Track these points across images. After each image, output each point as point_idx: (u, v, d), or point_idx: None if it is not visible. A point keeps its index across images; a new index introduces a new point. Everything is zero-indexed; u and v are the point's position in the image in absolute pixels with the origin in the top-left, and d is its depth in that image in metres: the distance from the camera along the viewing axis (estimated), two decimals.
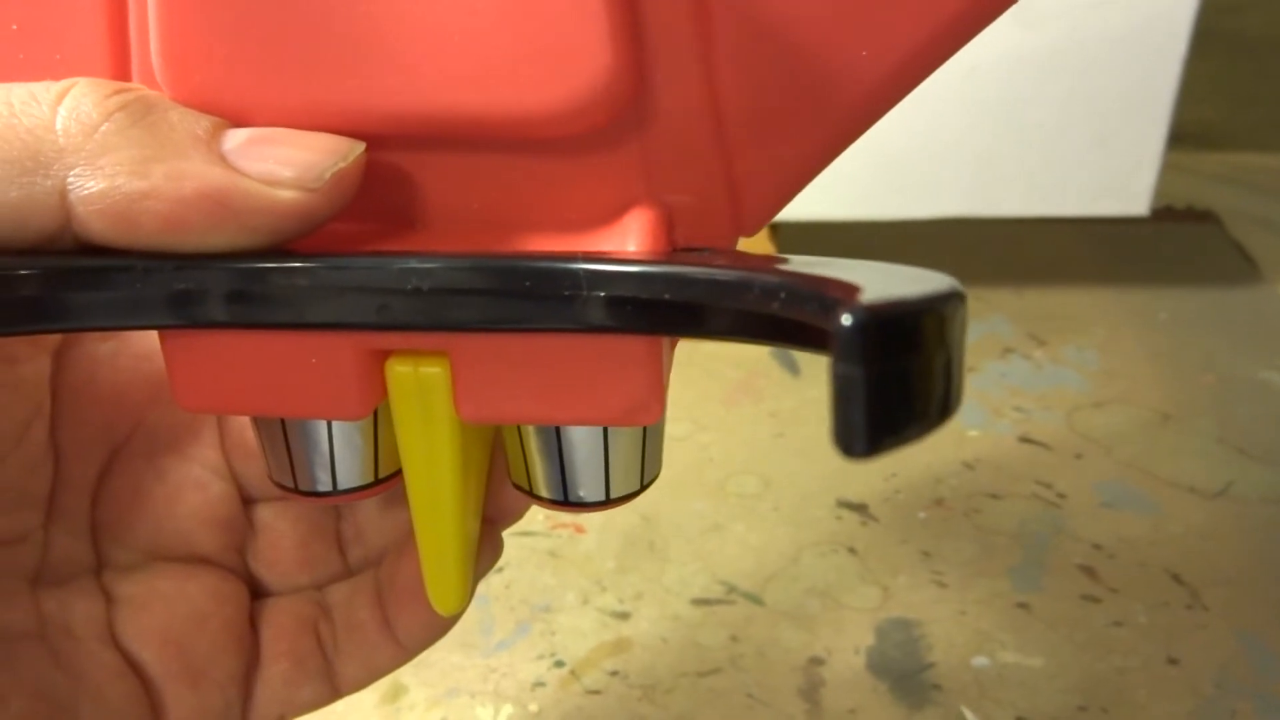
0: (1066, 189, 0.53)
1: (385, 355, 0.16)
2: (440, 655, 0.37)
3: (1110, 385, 0.52)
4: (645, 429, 0.18)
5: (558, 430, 0.18)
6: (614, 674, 0.36)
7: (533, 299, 0.14)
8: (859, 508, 0.44)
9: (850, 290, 0.11)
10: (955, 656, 0.36)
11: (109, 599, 0.19)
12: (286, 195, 0.14)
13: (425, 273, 0.14)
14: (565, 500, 0.19)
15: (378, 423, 0.18)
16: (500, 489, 0.21)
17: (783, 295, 0.12)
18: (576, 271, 0.14)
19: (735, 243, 0.17)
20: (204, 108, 0.14)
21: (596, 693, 0.35)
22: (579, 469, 0.18)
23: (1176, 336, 0.56)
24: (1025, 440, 0.48)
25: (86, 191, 0.13)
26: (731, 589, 0.40)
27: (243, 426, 0.21)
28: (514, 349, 0.15)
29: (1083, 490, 0.44)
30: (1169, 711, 0.34)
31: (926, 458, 0.47)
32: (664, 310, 0.14)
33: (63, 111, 0.14)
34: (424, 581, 0.19)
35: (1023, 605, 0.38)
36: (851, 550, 0.41)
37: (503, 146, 0.15)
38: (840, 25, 0.15)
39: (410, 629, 0.21)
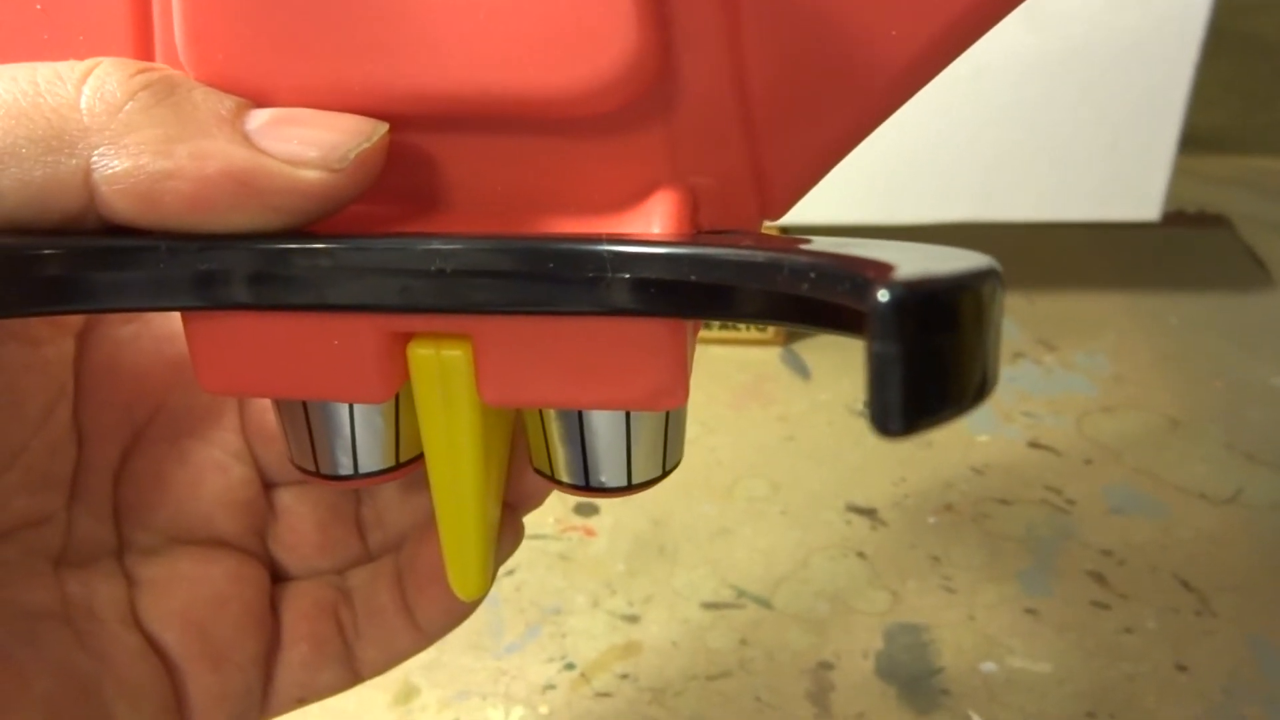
0: (1077, 193, 0.53)
1: (407, 338, 0.16)
2: (451, 657, 0.37)
3: (1120, 390, 0.52)
4: (668, 414, 0.18)
5: (580, 415, 0.18)
6: (624, 677, 0.36)
7: (556, 281, 0.14)
8: (868, 512, 0.44)
9: (884, 268, 0.11)
10: (964, 661, 0.36)
11: (131, 581, 0.19)
12: (310, 175, 0.14)
13: (449, 254, 0.14)
14: (587, 485, 0.19)
15: (399, 406, 0.18)
16: (521, 474, 0.21)
17: (813, 275, 0.12)
18: (601, 253, 0.14)
19: (759, 226, 0.17)
20: (227, 88, 0.14)
21: (607, 695, 0.35)
22: (601, 454, 0.18)
23: (1187, 341, 0.56)
24: (1035, 445, 0.48)
25: (110, 171, 0.13)
26: (741, 593, 0.40)
27: (263, 410, 0.21)
28: (537, 332, 0.15)
29: (1092, 496, 0.44)
30: (1178, 717, 0.34)
31: (935, 462, 0.47)
32: (690, 292, 0.14)
33: (87, 91, 0.14)
34: (445, 566, 0.19)
35: (1031, 611, 0.38)
36: (861, 554, 0.42)
37: (527, 127, 0.15)
38: (870, 4, 0.14)
39: (430, 614, 0.21)
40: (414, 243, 0.14)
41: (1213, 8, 0.48)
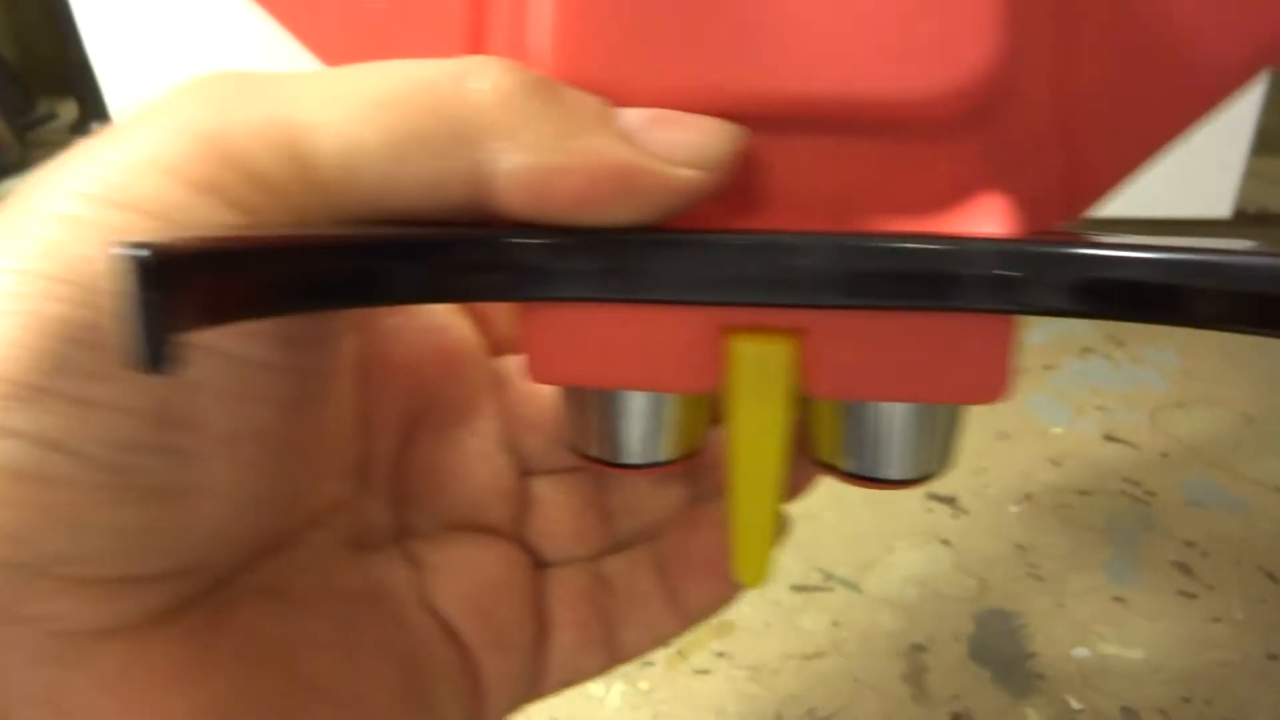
0: (1150, 191, 0.53)
1: (730, 330, 0.16)
2: None
3: (1191, 386, 0.52)
4: (955, 411, 0.19)
5: (878, 407, 0.18)
6: (720, 655, 0.37)
7: (945, 281, 0.14)
8: (949, 500, 0.44)
9: None
10: (1056, 647, 0.37)
11: (417, 566, 0.20)
12: (688, 174, 0.14)
13: (810, 249, 0.14)
14: (873, 477, 0.19)
15: (694, 400, 0.19)
16: (792, 463, 0.21)
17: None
18: (988, 251, 0.14)
19: (1060, 225, 0.17)
20: (586, 88, 0.15)
21: (705, 672, 0.36)
22: (894, 447, 0.18)
23: (1254, 340, 0.56)
24: (1110, 439, 0.48)
25: (507, 166, 0.14)
26: (829, 576, 0.40)
27: (521, 399, 0.21)
28: (875, 326, 0.15)
29: (1170, 488, 0.45)
30: (1273, 703, 0.34)
31: (1013, 453, 0.47)
32: (1136, 294, 0.13)
33: (483, 86, 0.14)
34: (719, 554, 0.19)
35: (1120, 599, 0.39)
36: (945, 542, 0.42)
37: (863, 130, 0.15)
38: (1215, 12, 0.15)
39: (699, 600, 0.21)
40: (776, 238, 0.14)
41: None
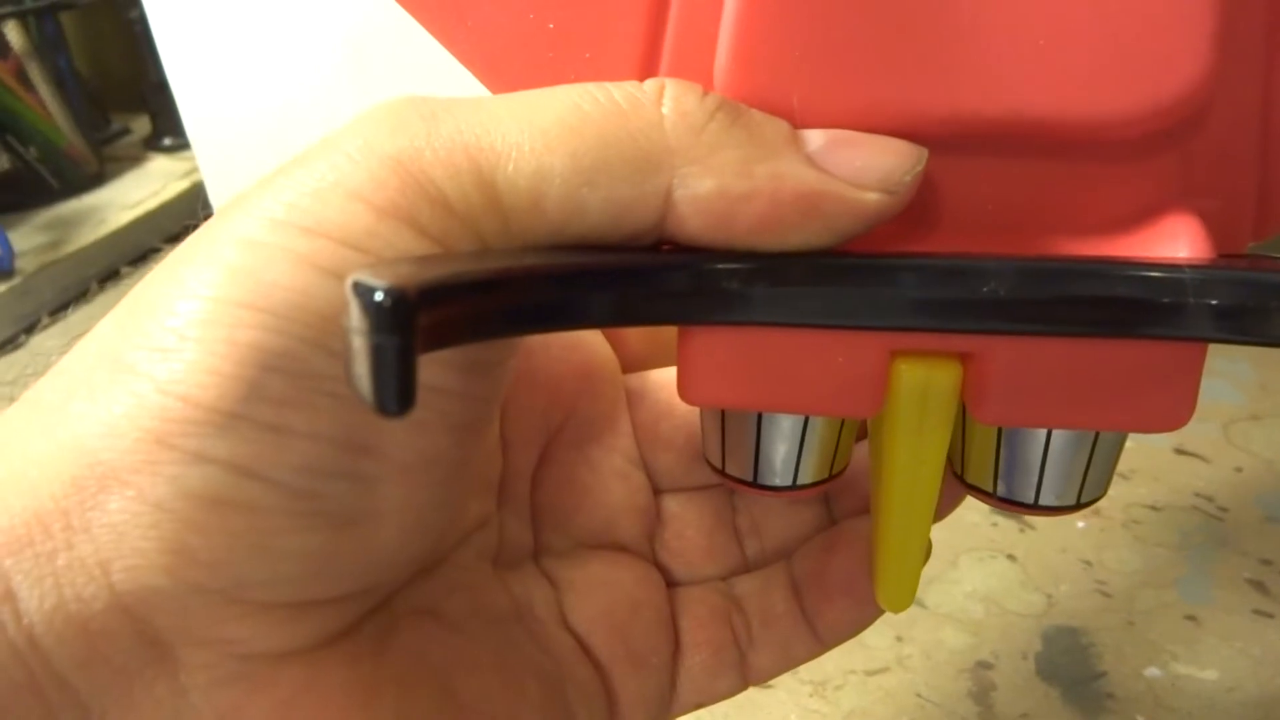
0: None
1: (896, 355, 0.16)
2: None
3: (1266, 398, 0.51)
4: (1119, 439, 0.18)
5: (1047, 433, 0.17)
6: None
7: (1117, 306, 0.13)
8: (1014, 515, 0.44)
9: None
10: (1127, 666, 0.36)
11: (554, 584, 0.20)
12: (872, 198, 0.14)
13: (998, 275, 0.14)
14: (1024, 502, 0.18)
15: (843, 424, 0.18)
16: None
17: None
18: (1183, 279, 0.13)
19: (1246, 248, 0.16)
20: (766, 109, 0.14)
21: (769, 687, 0.36)
22: (1057, 474, 0.18)
23: None
24: (1181, 452, 0.47)
25: (694, 191, 0.14)
26: None
27: (656, 417, 0.21)
28: (1051, 352, 0.15)
29: (1245, 504, 0.44)
30: None
31: None
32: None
33: (669, 111, 0.14)
34: (869, 577, 0.19)
35: (1192, 618, 0.38)
36: (1010, 557, 0.41)
37: (1050, 151, 0.14)
38: None
39: (835, 623, 0.21)
40: (958, 263, 0.14)
41: None
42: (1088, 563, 0.41)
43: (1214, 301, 0.13)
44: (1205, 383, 0.53)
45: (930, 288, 0.14)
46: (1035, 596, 0.39)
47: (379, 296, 0.10)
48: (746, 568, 0.22)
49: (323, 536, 0.14)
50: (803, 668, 0.37)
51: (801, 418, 0.18)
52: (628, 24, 0.16)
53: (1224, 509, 0.44)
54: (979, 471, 0.19)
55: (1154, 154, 0.15)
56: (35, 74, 0.81)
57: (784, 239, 0.14)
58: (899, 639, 0.38)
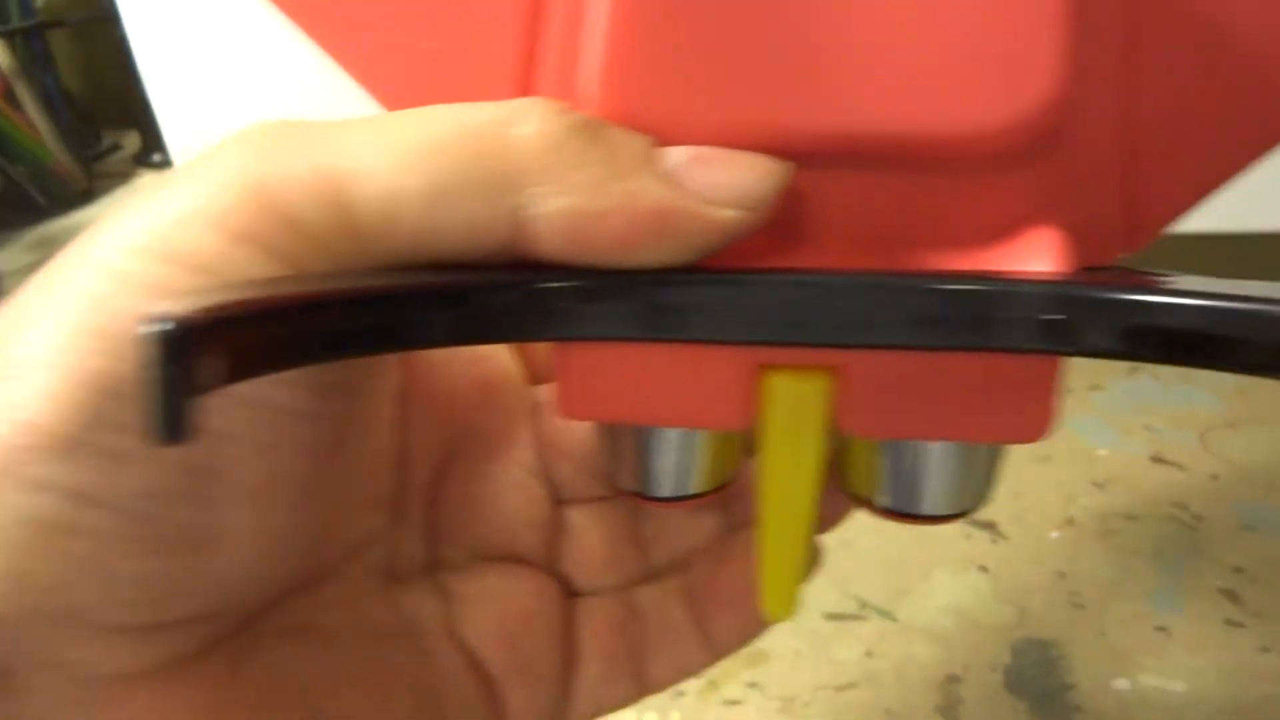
0: (1215, 203, 0.51)
1: (766, 368, 0.16)
2: None
3: (1244, 405, 0.51)
4: (998, 448, 0.18)
5: (917, 444, 0.18)
6: (752, 685, 0.37)
7: (972, 320, 0.14)
8: (988, 526, 0.44)
9: None
10: (1096, 679, 0.36)
11: (446, 597, 0.20)
12: (729, 215, 0.14)
13: (844, 290, 0.14)
14: (906, 512, 0.19)
15: (728, 434, 0.19)
16: (825, 496, 0.21)
17: None
18: (1037, 293, 0.13)
19: (1115, 260, 0.17)
20: (631, 125, 0.15)
21: (735, 703, 0.36)
22: (931, 483, 0.18)
23: None
24: (1158, 460, 0.47)
25: (548, 209, 0.14)
26: (864, 604, 0.40)
27: (557, 429, 0.21)
28: (912, 365, 0.15)
29: (1220, 512, 0.44)
30: None
31: (1056, 476, 0.46)
32: (1167, 338, 0.13)
33: (525, 131, 0.14)
34: (748, 587, 0.19)
35: (1163, 629, 0.38)
36: (983, 569, 0.41)
37: (913, 166, 0.15)
38: (1276, 35, 0.14)
39: (727, 632, 0.21)
40: (808, 278, 0.14)
41: None
42: (1061, 574, 0.41)
43: (1059, 316, 0.13)
44: (1183, 389, 0.53)
45: (780, 303, 0.14)
46: (1007, 609, 0.39)
47: (145, 329, 0.10)
48: (650, 577, 0.22)
49: (166, 560, 0.14)
50: (772, 684, 0.37)
51: (685, 430, 0.18)
52: (503, 45, 0.16)
53: (1199, 517, 0.43)
54: (860, 482, 0.19)
55: (1017, 169, 0.15)
56: (22, 93, 0.82)
57: (642, 256, 0.14)
58: (869, 654, 0.38)
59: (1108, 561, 0.41)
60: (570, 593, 0.22)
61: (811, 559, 0.21)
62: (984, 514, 0.44)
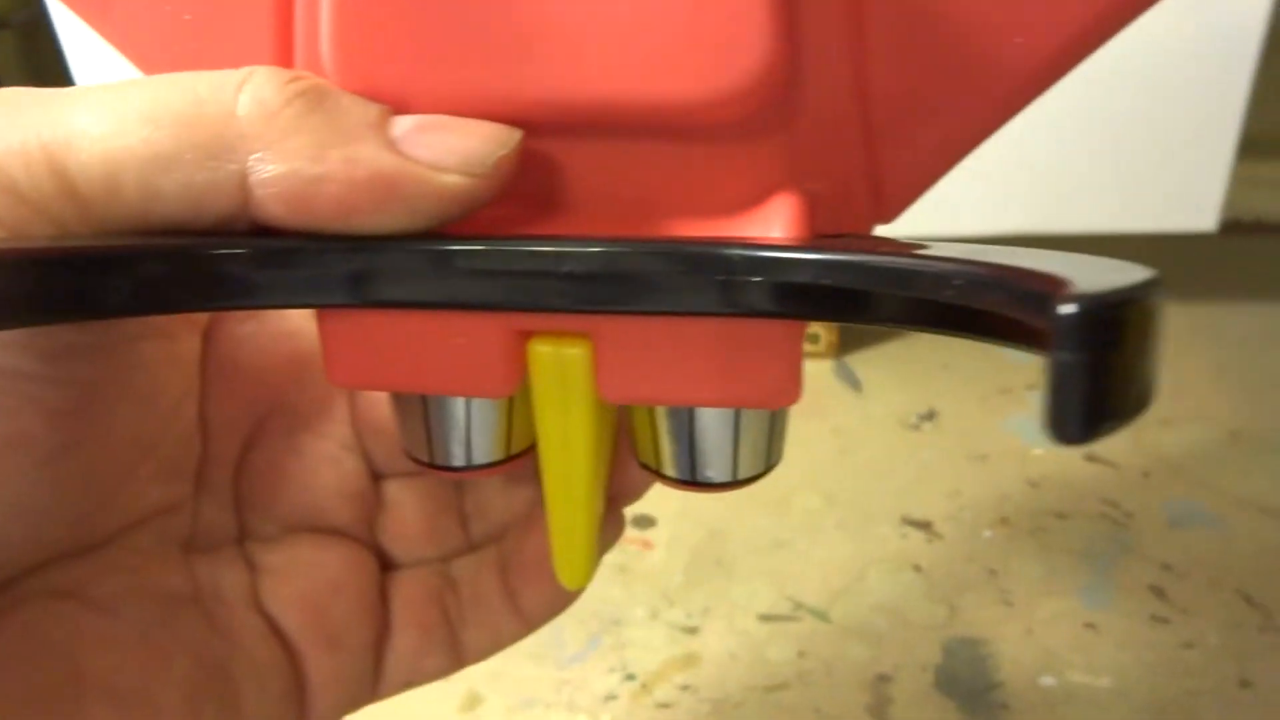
0: (1133, 205, 0.52)
1: (529, 335, 0.16)
2: (514, 666, 0.38)
3: (1178, 402, 0.51)
4: (774, 412, 0.19)
5: (689, 411, 0.18)
6: (684, 688, 0.37)
7: (690, 284, 0.14)
8: (924, 525, 0.44)
9: (1058, 282, 0.11)
10: (1023, 676, 0.37)
11: (253, 567, 0.20)
12: (452, 180, 0.15)
13: (582, 256, 0.14)
14: (693, 480, 0.19)
15: (512, 400, 0.19)
16: (624, 467, 0.21)
17: (958, 284, 0.13)
18: (734, 257, 0.14)
19: (871, 230, 0.17)
20: (370, 95, 0.15)
21: (667, 706, 0.36)
22: (709, 450, 0.19)
23: (1246, 353, 0.55)
24: (1091, 459, 0.48)
25: (266, 175, 0.14)
26: (798, 605, 0.40)
27: (372, 404, 0.21)
28: (658, 332, 0.16)
29: (1150, 509, 0.44)
30: None
31: (991, 476, 0.47)
32: (828, 296, 0.14)
33: (245, 99, 0.14)
34: (551, 556, 0.20)
35: (1091, 625, 0.38)
36: (917, 568, 0.42)
37: (653, 133, 0.15)
38: (997, 11, 0.15)
39: (534, 602, 0.22)
40: (547, 245, 0.15)
41: (1270, 18, 0.47)
42: (993, 571, 0.41)
43: (780, 280, 0.14)
44: None
45: (510, 270, 0.15)
46: (938, 607, 0.40)
47: None
48: (471, 549, 0.23)
49: None
50: (704, 686, 0.37)
51: (463, 399, 0.19)
52: (258, 15, 0.16)
53: (1129, 514, 0.44)
54: (645, 451, 0.20)
55: (752, 138, 0.15)
56: None
57: (366, 222, 0.15)
58: (801, 654, 0.38)
59: (1038, 559, 0.42)
60: (388, 565, 0.22)
61: (614, 528, 0.22)
62: (920, 513, 0.45)
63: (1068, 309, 0.11)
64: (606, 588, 0.41)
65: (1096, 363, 0.11)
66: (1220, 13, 0.47)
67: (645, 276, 0.15)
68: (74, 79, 0.57)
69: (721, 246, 0.14)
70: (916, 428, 0.51)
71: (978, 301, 0.12)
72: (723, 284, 0.14)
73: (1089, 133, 0.50)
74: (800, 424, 0.51)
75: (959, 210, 0.53)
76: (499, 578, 0.22)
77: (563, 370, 0.17)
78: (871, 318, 0.14)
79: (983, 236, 0.53)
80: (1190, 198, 0.52)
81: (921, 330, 0.14)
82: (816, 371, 0.55)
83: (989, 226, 0.53)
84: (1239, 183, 0.52)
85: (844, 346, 0.56)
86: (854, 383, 0.54)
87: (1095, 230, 0.53)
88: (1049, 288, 0.11)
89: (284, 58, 0.16)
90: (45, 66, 1.01)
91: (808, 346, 0.56)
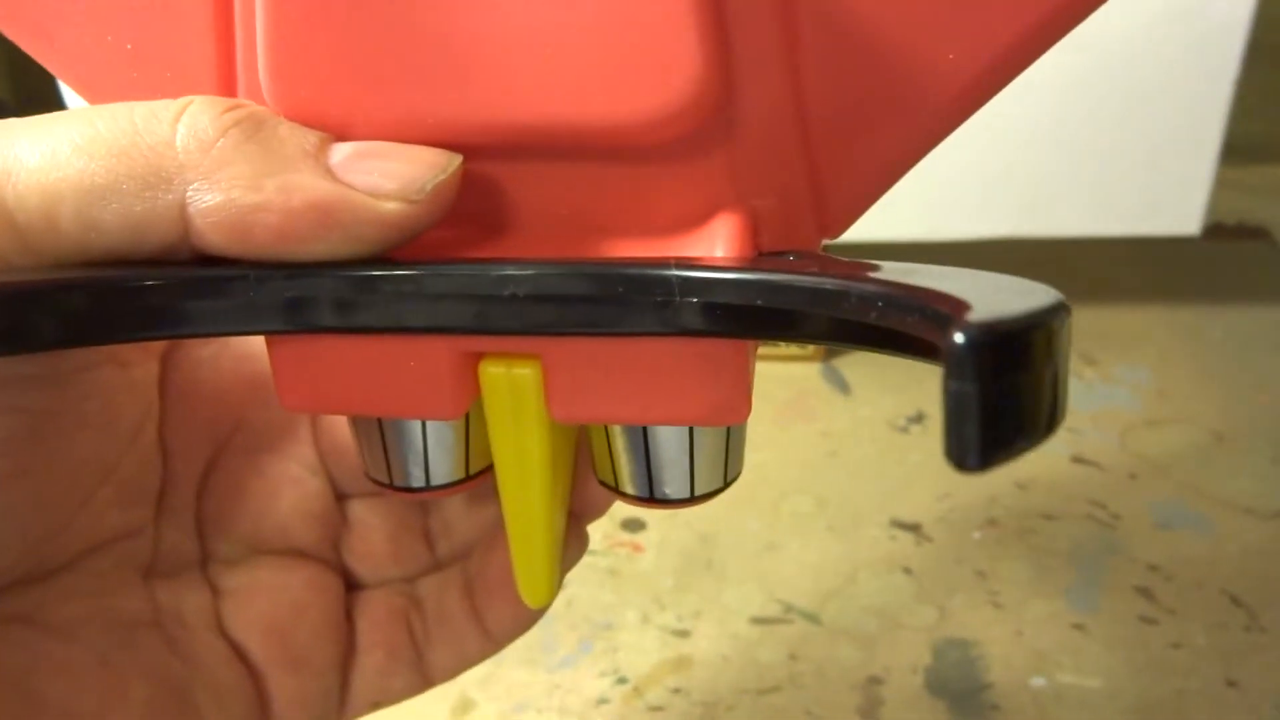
0: (1117, 208, 0.53)
1: (479, 357, 0.17)
2: (506, 670, 0.38)
3: (1164, 405, 0.52)
4: (729, 428, 0.19)
5: (644, 429, 0.18)
6: (676, 691, 0.37)
7: (626, 304, 0.15)
8: (913, 528, 0.44)
9: (960, 306, 0.11)
10: (1013, 677, 0.37)
11: (215, 590, 0.20)
12: (390, 206, 0.15)
13: (521, 279, 0.15)
14: (650, 497, 0.19)
15: (469, 421, 0.19)
16: (584, 484, 0.21)
17: (880, 305, 0.13)
18: (669, 278, 0.14)
19: (818, 245, 0.17)
20: (309, 122, 0.15)
21: (659, 709, 0.36)
22: (665, 467, 0.19)
23: (1230, 355, 0.56)
24: (1078, 460, 0.48)
25: (204, 205, 0.14)
26: (789, 608, 0.40)
27: (335, 425, 0.21)
28: (604, 352, 0.16)
29: (1138, 511, 0.45)
30: None
31: (979, 478, 0.47)
32: (756, 316, 0.14)
33: (182, 129, 0.14)
34: (514, 574, 0.20)
35: (1079, 626, 0.39)
36: (907, 570, 0.42)
37: (593, 155, 0.15)
38: (926, 28, 0.15)
39: (500, 620, 0.22)
40: (488, 268, 0.15)
41: (1252, 24, 0.48)
42: (981, 573, 0.41)
43: (714, 300, 0.14)
44: (1104, 389, 0.55)
45: (455, 292, 0.15)
46: (928, 609, 0.40)
47: None
48: (437, 568, 0.23)
49: None
50: (695, 689, 0.37)
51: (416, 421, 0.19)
52: (200, 43, 0.16)
53: (1116, 516, 0.44)
54: (604, 469, 0.20)
55: (691, 157, 0.15)
56: None
57: (305, 249, 0.15)
58: (792, 657, 0.38)
59: (1027, 561, 0.42)
60: (356, 586, 0.22)
61: (578, 545, 0.22)
62: (909, 515, 0.45)
63: (958, 337, 0.11)
64: (597, 591, 0.41)
65: (987, 391, 0.11)
66: (1204, 17, 0.48)
67: (584, 298, 0.15)
68: (62, 95, 0.57)
69: (657, 267, 0.14)
70: (905, 430, 0.51)
71: (899, 323, 0.12)
72: (659, 304, 0.14)
73: (1073, 137, 0.51)
74: (789, 427, 0.51)
75: (945, 215, 0.53)
76: (464, 597, 0.22)
77: (514, 390, 0.17)
78: (801, 336, 0.15)
79: (968, 241, 0.53)
80: (1174, 201, 0.52)
81: (853, 348, 0.15)
82: (805, 375, 0.55)
83: (974, 231, 0.53)
84: (1222, 186, 0.53)
85: (832, 350, 0.57)
86: (842, 386, 0.55)
87: (1079, 234, 0.53)
88: (954, 312, 0.11)
89: (227, 86, 0.16)
90: (29, 65, 1.01)
91: (796, 350, 0.56)
